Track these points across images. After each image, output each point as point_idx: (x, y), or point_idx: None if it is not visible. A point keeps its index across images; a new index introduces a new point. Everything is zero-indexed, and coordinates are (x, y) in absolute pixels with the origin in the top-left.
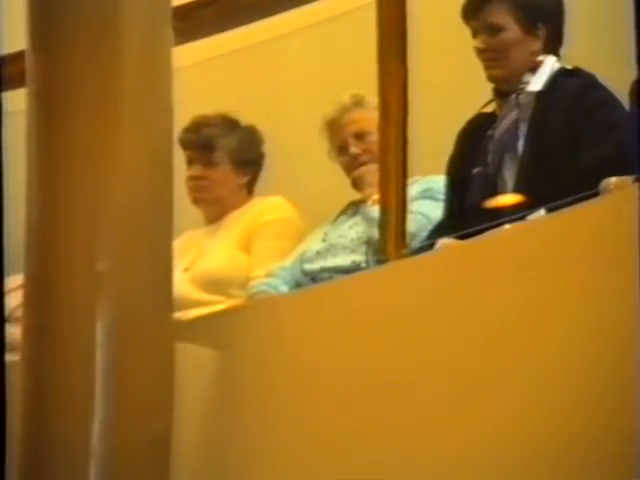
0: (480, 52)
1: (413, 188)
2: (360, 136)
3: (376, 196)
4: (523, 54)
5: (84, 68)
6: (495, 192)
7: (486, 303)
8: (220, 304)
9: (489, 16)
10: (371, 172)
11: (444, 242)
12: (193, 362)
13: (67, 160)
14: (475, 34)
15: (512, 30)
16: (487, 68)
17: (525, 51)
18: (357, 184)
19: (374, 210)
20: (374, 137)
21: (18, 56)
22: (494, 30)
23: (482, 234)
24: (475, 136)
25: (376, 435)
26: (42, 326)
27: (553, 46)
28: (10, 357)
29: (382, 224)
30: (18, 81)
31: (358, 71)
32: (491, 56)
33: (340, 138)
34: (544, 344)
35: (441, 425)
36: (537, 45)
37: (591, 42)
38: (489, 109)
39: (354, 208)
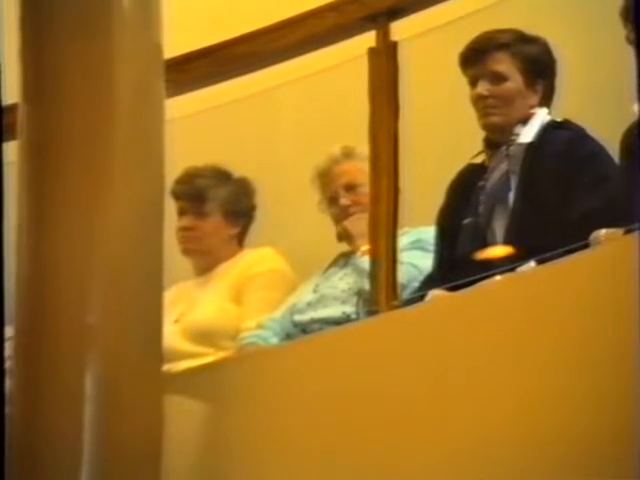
0: (480, 99)
1: (403, 239)
2: (350, 187)
3: (365, 247)
4: (523, 106)
5: (76, 120)
6: (485, 243)
7: (477, 354)
8: (210, 356)
9: (493, 64)
10: (357, 222)
11: (435, 293)
12: (182, 414)
13: (57, 212)
14: (475, 82)
15: (516, 80)
16: (485, 115)
17: (525, 103)
18: (343, 236)
19: (364, 261)
20: (364, 189)
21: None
22: (498, 78)
23: (472, 285)
24: (465, 187)
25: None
26: (31, 378)
27: (547, 100)
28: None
29: (373, 275)
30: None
31: (349, 122)
32: (492, 103)
33: (331, 189)
34: (537, 396)
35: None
36: (535, 100)
37: (580, 95)
38: (479, 160)
39: (344, 259)
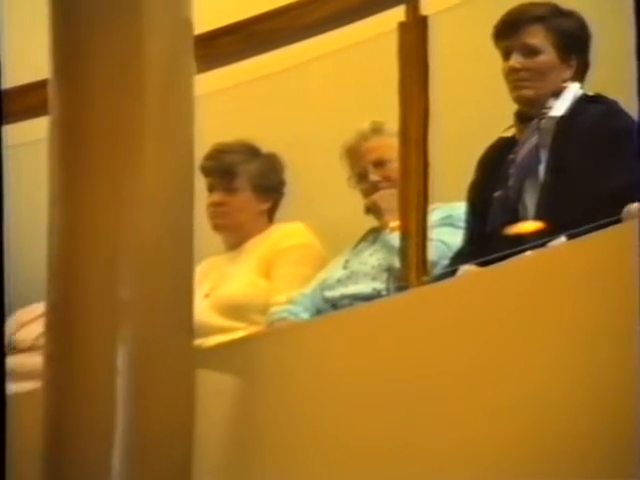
0: (513, 72)
1: (433, 215)
2: (379, 164)
3: (393, 223)
4: (555, 79)
5: (106, 96)
6: (516, 217)
7: (506, 329)
8: (241, 330)
9: (527, 37)
10: (386, 198)
11: (465, 269)
12: (214, 389)
13: (88, 188)
14: (508, 55)
15: (549, 54)
16: (517, 88)
17: (558, 77)
18: (372, 210)
19: (393, 237)
20: (393, 164)
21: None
22: (531, 51)
23: (503, 261)
24: (496, 161)
25: (396, 461)
26: (63, 353)
27: (580, 75)
28: (33, 385)
29: (403, 251)
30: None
31: (379, 98)
32: (525, 76)
33: (360, 166)
34: (565, 370)
35: (462, 451)
36: (568, 74)
37: (614, 69)
38: (509, 133)
39: (374, 235)
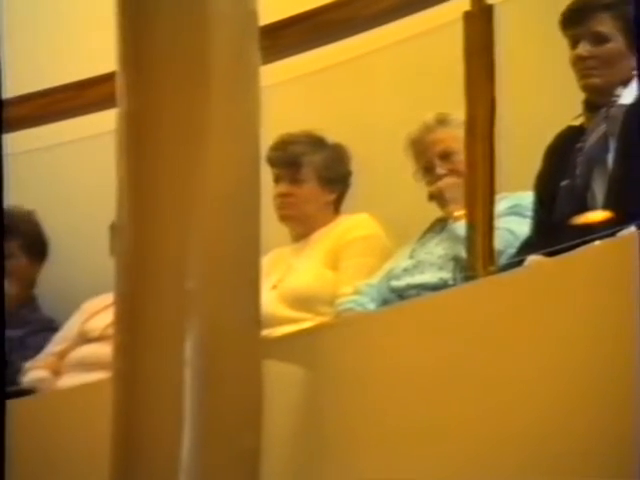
0: (580, 60)
1: (500, 205)
2: (445, 156)
3: (458, 212)
4: (624, 67)
5: (173, 88)
6: (584, 206)
7: (575, 320)
8: (308, 321)
9: (595, 25)
10: (451, 187)
11: (533, 259)
12: (281, 379)
13: (155, 179)
14: (575, 43)
15: (618, 41)
16: (585, 77)
17: (626, 65)
18: (436, 198)
19: (458, 227)
20: (460, 156)
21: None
22: (600, 39)
23: (571, 250)
24: (563, 150)
25: (465, 448)
26: (132, 343)
27: None
28: (102, 375)
29: (470, 241)
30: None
31: (444, 88)
32: (593, 64)
33: (425, 158)
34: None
35: (528, 433)
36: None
37: None
38: (577, 122)
39: (441, 225)
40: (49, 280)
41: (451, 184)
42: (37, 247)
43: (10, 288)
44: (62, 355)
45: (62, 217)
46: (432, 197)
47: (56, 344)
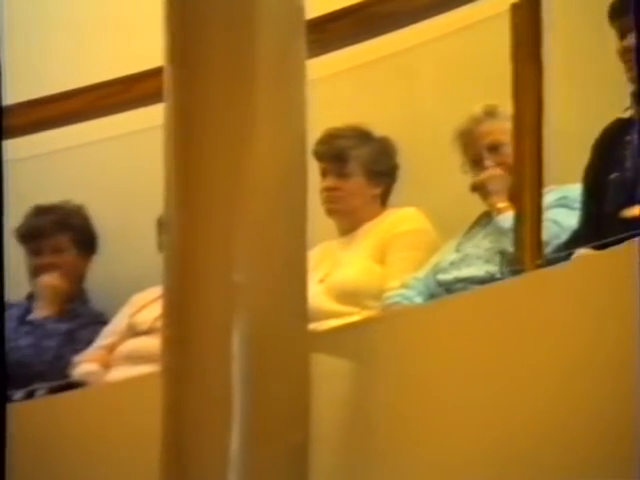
0: (628, 51)
1: (548, 197)
2: (494, 148)
3: (501, 204)
4: None
5: (219, 81)
6: (633, 200)
7: (624, 313)
8: (355, 315)
9: None
10: (494, 179)
11: (581, 252)
12: (328, 373)
13: (203, 172)
14: (623, 34)
15: None
16: (632, 69)
17: None
18: (479, 189)
19: (502, 219)
20: (508, 149)
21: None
22: None
23: (620, 244)
24: (613, 142)
25: (513, 445)
26: (180, 337)
27: None
28: (151, 368)
29: (517, 234)
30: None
31: (491, 80)
32: None
33: (473, 150)
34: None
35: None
36: None
37: None
38: (627, 115)
39: (487, 218)
40: (98, 274)
41: (494, 176)
42: (87, 241)
43: (60, 282)
44: (111, 348)
45: (111, 211)
46: (475, 189)
47: (105, 337)
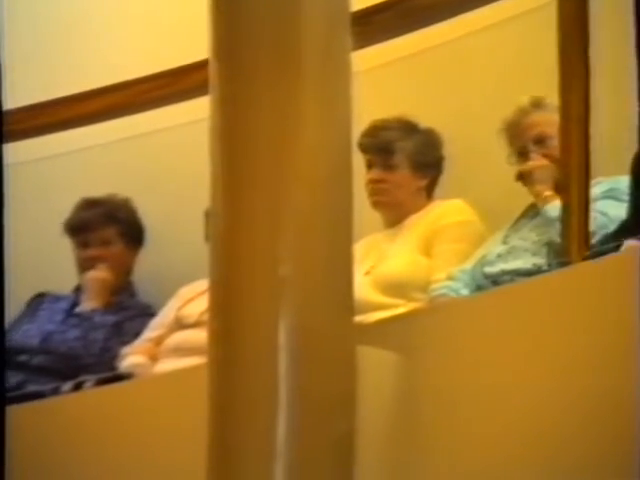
0: None
1: (596, 189)
2: (540, 140)
3: (547, 193)
4: None
5: (265, 74)
6: None
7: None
8: (401, 307)
9: None
10: (539, 168)
11: (629, 244)
12: (375, 365)
13: (248, 166)
14: None
15: None
16: None
17: None
18: (524, 178)
19: (549, 209)
20: (555, 141)
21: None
22: None
23: None
24: None
25: (560, 436)
26: (227, 330)
27: None
28: (198, 360)
29: (564, 226)
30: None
31: (538, 72)
32: None
33: (520, 143)
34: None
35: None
36: None
37: None
38: None
39: (534, 210)
40: (145, 267)
41: (540, 165)
42: (134, 234)
43: (107, 275)
44: (159, 341)
45: (158, 204)
46: (520, 177)
47: (153, 330)
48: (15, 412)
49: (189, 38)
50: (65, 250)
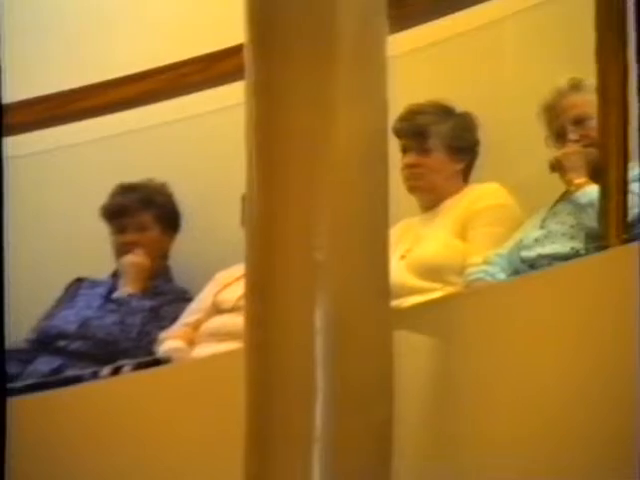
0: None
1: (632, 171)
2: (579, 122)
3: (578, 180)
4: None
5: (300, 59)
6: None
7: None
8: (437, 291)
9: None
10: (569, 156)
11: None
12: (411, 349)
13: (283, 150)
14: None
15: None
16: None
17: None
18: (556, 168)
19: (580, 196)
20: (593, 122)
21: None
22: None
23: None
24: None
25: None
26: (263, 315)
27: None
28: (235, 345)
29: (601, 209)
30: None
31: (576, 53)
32: None
33: (558, 124)
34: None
35: None
36: None
37: None
38: None
39: (572, 195)
40: (182, 251)
41: (570, 153)
42: (171, 219)
43: (144, 260)
44: (196, 326)
45: (194, 189)
46: (552, 167)
47: (190, 314)
48: (55, 396)
49: (225, 23)
50: (102, 235)
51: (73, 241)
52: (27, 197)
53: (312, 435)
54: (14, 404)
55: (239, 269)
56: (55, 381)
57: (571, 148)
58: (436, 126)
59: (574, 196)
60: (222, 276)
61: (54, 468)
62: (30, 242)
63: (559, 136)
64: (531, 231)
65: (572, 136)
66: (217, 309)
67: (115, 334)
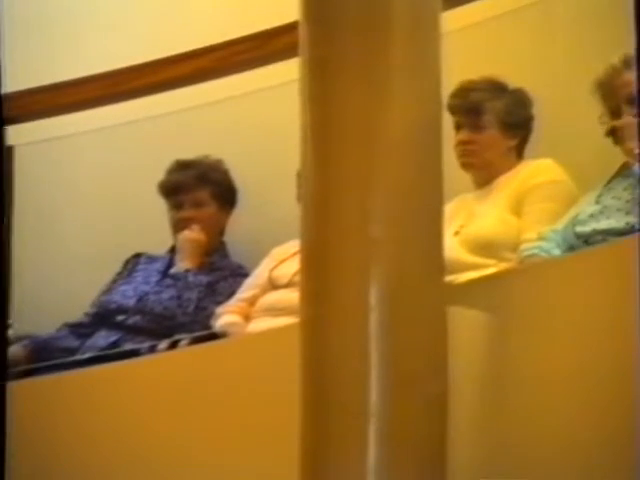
0: None
1: None
2: (633, 99)
3: (638, 150)
4: None
5: (355, 35)
6: None
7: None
8: (491, 267)
9: None
10: (631, 126)
11: None
12: (465, 325)
13: (338, 127)
14: None
15: None
16: None
17: None
18: (614, 134)
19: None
20: None
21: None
22: None
23: None
24: None
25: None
26: (319, 290)
27: None
28: (290, 320)
29: None
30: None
31: (629, 30)
32: None
33: (612, 102)
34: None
35: None
36: None
37: None
38: None
39: (628, 170)
40: (238, 227)
41: (631, 123)
42: (227, 195)
43: (201, 236)
44: (252, 301)
45: (250, 165)
46: (611, 132)
47: (246, 290)
48: (114, 368)
49: (278, 0)
50: (160, 211)
51: (132, 217)
52: (88, 174)
53: (367, 410)
54: (76, 376)
55: (295, 245)
56: (113, 354)
57: (632, 119)
58: (490, 102)
59: (633, 169)
60: (278, 252)
61: (108, 435)
62: (90, 218)
63: (613, 113)
64: (586, 207)
65: (626, 114)
66: (273, 285)
67: (172, 309)
